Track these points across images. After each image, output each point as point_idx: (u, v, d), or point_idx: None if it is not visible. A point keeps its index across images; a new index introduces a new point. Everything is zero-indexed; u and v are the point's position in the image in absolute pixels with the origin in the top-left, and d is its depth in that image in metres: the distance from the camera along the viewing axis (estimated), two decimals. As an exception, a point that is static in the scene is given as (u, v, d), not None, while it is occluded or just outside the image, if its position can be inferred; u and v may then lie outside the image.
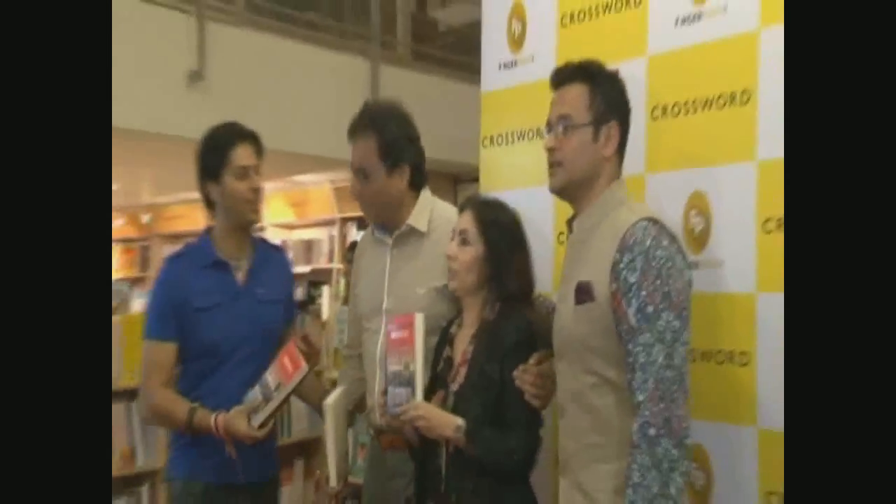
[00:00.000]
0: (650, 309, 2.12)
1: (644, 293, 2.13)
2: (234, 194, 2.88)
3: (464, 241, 2.53)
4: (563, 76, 2.41)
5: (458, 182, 7.41)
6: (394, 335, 2.55)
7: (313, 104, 6.04)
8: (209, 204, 2.95)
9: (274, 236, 9.32)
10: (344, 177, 7.68)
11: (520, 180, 3.09)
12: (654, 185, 2.72)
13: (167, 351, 2.87)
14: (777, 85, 2.37)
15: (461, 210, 2.61)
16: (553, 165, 2.36)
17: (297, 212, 9.83)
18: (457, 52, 7.44)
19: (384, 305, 2.80)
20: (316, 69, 6.32)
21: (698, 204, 2.61)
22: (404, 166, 2.79)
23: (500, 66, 3.24)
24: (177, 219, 10.62)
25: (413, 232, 2.82)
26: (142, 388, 2.95)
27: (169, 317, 2.86)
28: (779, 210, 2.37)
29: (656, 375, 2.09)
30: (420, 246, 2.80)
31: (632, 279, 2.15)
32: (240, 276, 2.93)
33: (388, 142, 2.77)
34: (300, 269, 8.97)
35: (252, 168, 2.90)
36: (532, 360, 2.41)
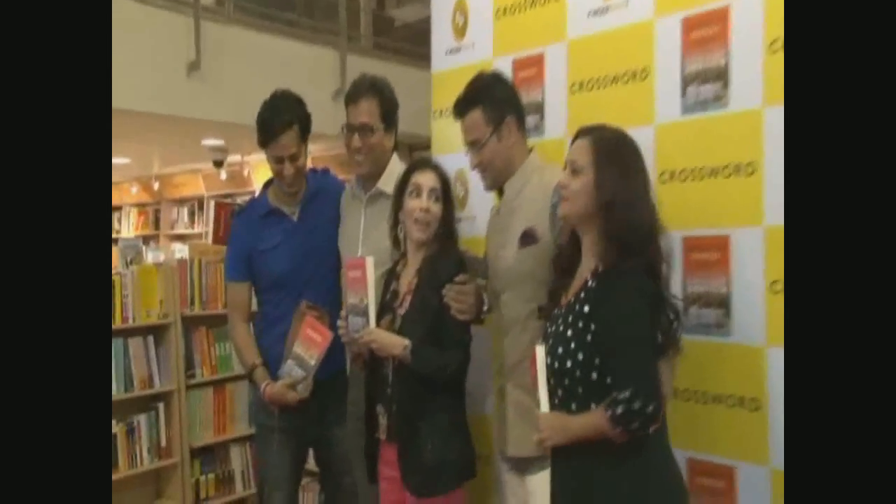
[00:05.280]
0: None
1: None
2: (273, 170, 2.85)
3: (436, 199, 2.47)
4: (460, 108, 2.48)
5: (412, 150, 7.38)
6: (350, 274, 2.51)
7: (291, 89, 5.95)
8: None
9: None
10: (320, 147, 7.58)
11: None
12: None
13: (242, 289, 2.93)
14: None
15: (421, 169, 2.50)
16: (481, 172, 2.47)
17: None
18: (410, 44, 7.37)
19: (359, 254, 2.73)
20: (293, 59, 6.22)
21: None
22: (394, 129, 2.80)
23: (446, 52, 3.21)
24: (181, 186, 10.42)
25: (382, 194, 2.76)
26: (228, 318, 2.99)
27: (241, 262, 2.90)
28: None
29: None
30: (388, 207, 2.65)
31: None
32: (294, 216, 2.89)
33: (389, 105, 2.76)
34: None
35: (287, 157, 2.77)
36: (457, 279, 2.40)
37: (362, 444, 2.63)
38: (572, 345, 1.92)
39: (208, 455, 4.12)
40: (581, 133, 2.06)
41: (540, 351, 1.99)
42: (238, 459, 4.23)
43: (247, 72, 5.80)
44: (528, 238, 2.34)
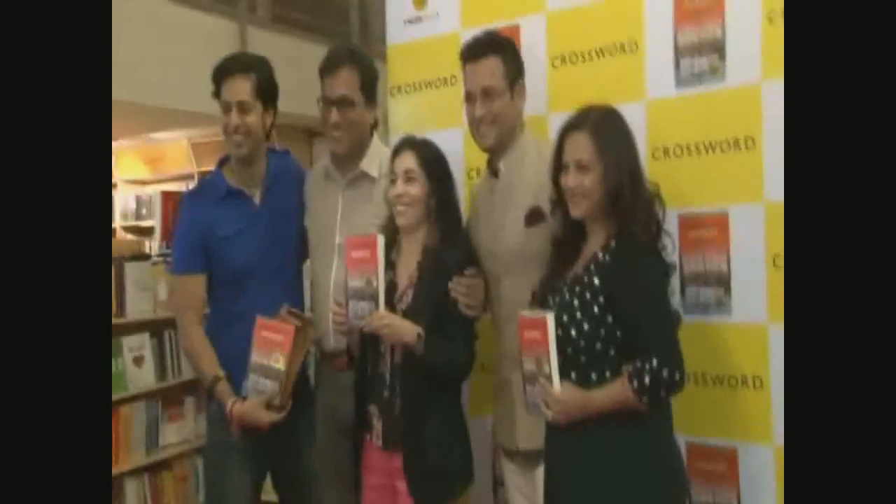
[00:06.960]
0: None
1: None
2: (222, 128, 2.74)
3: (409, 179, 2.46)
4: (479, 49, 2.50)
5: (312, 135, 7.34)
6: (354, 255, 2.46)
7: (186, 62, 5.79)
8: None
9: (127, 192, 8.91)
10: (203, 132, 7.44)
11: (430, 124, 3.01)
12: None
13: (197, 283, 2.73)
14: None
15: (398, 152, 2.52)
16: (488, 124, 2.49)
17: (152, 167, 9.19)
18: (310, 16, 7.35)
19: (337, 241, 2.72)
20: (189, 29, 6.02)
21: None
22: (374, 104, 2.78)
23: (405, 22, 3.20)
24: None
25: (365, 176, 2.76)
26: (178, 321, 2.80)
27: (196, 250, 2.72)
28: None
29: None
30: (371, 190, 2.71)
31: None
32: (256, 198, 2.78)
33: (370, 77, 2.75)
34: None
35: (234, 104, 2.68)
36: (467, 272, 2.42)
37: (334, 452, 2.66)
38: (578, 314, 2.12)
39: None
40: (572, 126, 2.21)
41: (551, 319, 2.11)
42: (134, 497, 4.01)
43: (136, 40, 5.62)
44: (535, 216, 2.40)
